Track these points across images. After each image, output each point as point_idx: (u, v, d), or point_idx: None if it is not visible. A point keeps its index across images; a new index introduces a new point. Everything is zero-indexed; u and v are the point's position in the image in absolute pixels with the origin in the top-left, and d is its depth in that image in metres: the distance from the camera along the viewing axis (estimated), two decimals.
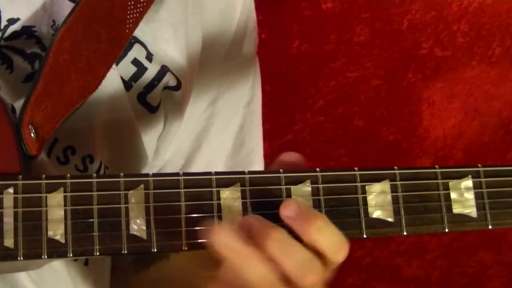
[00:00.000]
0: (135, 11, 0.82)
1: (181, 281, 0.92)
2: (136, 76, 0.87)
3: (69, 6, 0.81)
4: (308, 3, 1.43)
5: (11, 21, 0.80)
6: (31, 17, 0.80)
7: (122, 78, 0.86)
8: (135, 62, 0.86)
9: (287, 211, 0.69)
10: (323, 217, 0.69)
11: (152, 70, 0.87)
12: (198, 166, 0.98)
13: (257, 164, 1.04)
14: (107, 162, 0.86)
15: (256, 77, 1.03)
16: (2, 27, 0.79)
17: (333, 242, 0.68)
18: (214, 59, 0.96)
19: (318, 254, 0.69)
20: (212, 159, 0.99)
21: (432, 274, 1.57)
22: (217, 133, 0.99)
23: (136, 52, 0.86)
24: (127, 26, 0.81)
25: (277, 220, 0.70)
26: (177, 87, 0.90)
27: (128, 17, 0.81)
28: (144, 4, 0.83)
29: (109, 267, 0.96)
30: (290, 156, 0.74)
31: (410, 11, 1.46)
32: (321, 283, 0.69)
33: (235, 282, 0.69)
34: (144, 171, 0.91)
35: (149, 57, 0.87)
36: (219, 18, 0.95)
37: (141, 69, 0.87)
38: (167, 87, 0.89)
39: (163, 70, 0.88)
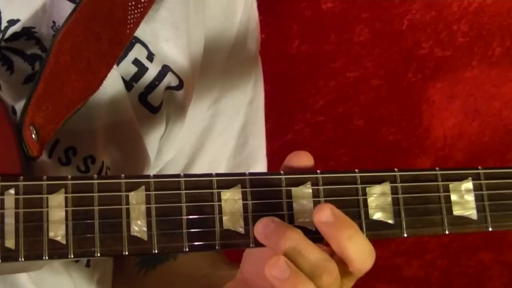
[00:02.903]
0: (136, 11, 0.82)
1: (191, 281, 0.92)
2: (137, 76, 0.87)
3: (69, 6, 0.81)
4: (308, 3, 1.43)
5: (11, 22, 0.80)
6: (30, 18, 0.80)
7: (123, 78, 0.86)
8: (136, 62, 0.86)
9: (321, 216, 0.69)
10: (355, 225, 0.69)
11: (153, 70, 0.87)
12: (201, 166, 0.98)
13: (260, 163, 1.04)
14: (109, 162, 0.86)
15: (258, 76, 1.03)
16: (2, 28, 0.79)
17: (361, 252, 0.69)
18: (216, 58, 0.96)
19: (345, 261, 0.69)
20: (215, 159, 0.99)
21: (432, 274, 1.57)
22: (220, 133, 0.99)
23: (137, 52, 0.86)
24: (128, 26, 0.81)
25: None
26: (179, 86, 0.90)
27: (128, 17, 0.81)
28: (145, 4, 0.83)
29: (111, 268, 0.96)
30: (301, 160, 0.73)
31: (410, 11, 1.46)
32: (337, 284, 0.69)
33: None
34: (147, 172, 0.91)
35: (150, 57, 0.87)
36: (221, 17, 0.95)
37: (142, 69, 0.87)
38: (169, 87, 0.89)
39: (164, 70, 0.88)
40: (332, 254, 0.70)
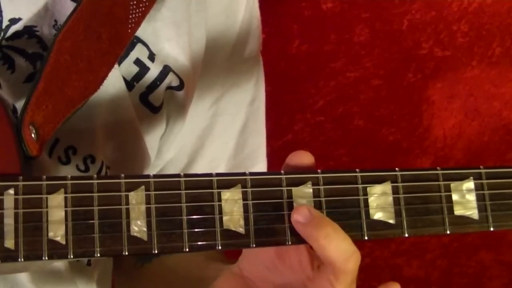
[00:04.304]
0: (137, 10, 0.81)
1: (186, 273, 0.92)
2: (138, 76, 0.87)
3: (71, 5, 0.81)
4: (308, 3, 1.43)
5: (13, 21, 0.79)
6: (32, 17, 0.80)
7: (124, 78, 0.85)
8: (137, 62, 0.86)
9: (297, 216, 0.69)
10: (333, 224, 0.69)
11: (154, 70, 0.87)
12: (201, 165, 0.98)
13: (260, 162, 1.04)
14: (109, 162, 0.86)
15: (259, 75, 1.03)
16: (3, 27, 0.79)
17: (340, 250, 0.68)
18: (218, 58, 0.96)
19: (328, 262, 0.69)
20: (215, 158, 0.99)
21: (432, 274, 1.57)
22: (221, 132, 0.99)
23: (138, 52, 0.86)
24: (129, 25, 0.81)
25: (279, 221, 0.70)
26: (180, 87, 0.89)
27: (130, 16, 0.81)
28: (147, 3, 0.82)
29: (111, 267, 0.96)
30: (302, 159, 0.73)
31: (410, 11, 1.46)
32: (355, 275, 0.69)
33: None
34: (147, 171, 0.90)
35: (152, 57, 0.87)
36: (223, 15, 0.95)
37: (143, 69, 0.86)
38: (169, 87, 0.89)
39: (165, 70, 0.88)
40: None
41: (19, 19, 0.79)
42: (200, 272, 0.90)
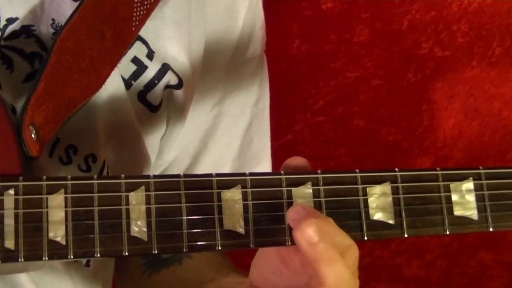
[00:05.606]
0: (141, 8, 0.81)
1: (198, 285, 0.92)
2: (136, 75, 0.86)
3: (70, 4, 0.81)
4: (308, 3, 1.43)
5: (10, 21, 0.79)
6: (28, 16, 0.80)
7: (122, 77, 0.85)
8: (135, 60, 0.86)
9: (292, 214, 0.69)
10: (327, 218, 0.69)
11: (152, 69, 0.87)
12: (205, 166, 0.98)
13: (265, 162, 1.03)
14: (109, 162, 0.86)
15: (264, 75, 1.03)
16: (1, 26, 0.79)
17: (337, 244, 0.68)
18: (219, 58, 0.95)
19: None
20: (220, 159, 0.99)
21: (432, 274, 1.57)
22: (224, 133, 0.99)
23: (137, 50, 0.86)
24: (133, 23, 0.81)
25: (278, 222, 0.70)
26: (179, 85, 0.89)
27: (134, 14, 0.81)
28: (152, 1, 0.82)
29: (112, 268, 0.96)
30: (297, 161, 0.73)
31: (410, 11, 1.46)
32: (356, 265, 0.69)
33: None
34: (147, 172, 0.90)
35: (150, 55, 0.86)
36: (225, 16, 0.94)
37: (141, 68, 0.86)
38: (168, 86, 0.89)
39: (164, 68, 0.87)
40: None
41: (16, 19, 0.79)
42: (215, 285, 0.90)
